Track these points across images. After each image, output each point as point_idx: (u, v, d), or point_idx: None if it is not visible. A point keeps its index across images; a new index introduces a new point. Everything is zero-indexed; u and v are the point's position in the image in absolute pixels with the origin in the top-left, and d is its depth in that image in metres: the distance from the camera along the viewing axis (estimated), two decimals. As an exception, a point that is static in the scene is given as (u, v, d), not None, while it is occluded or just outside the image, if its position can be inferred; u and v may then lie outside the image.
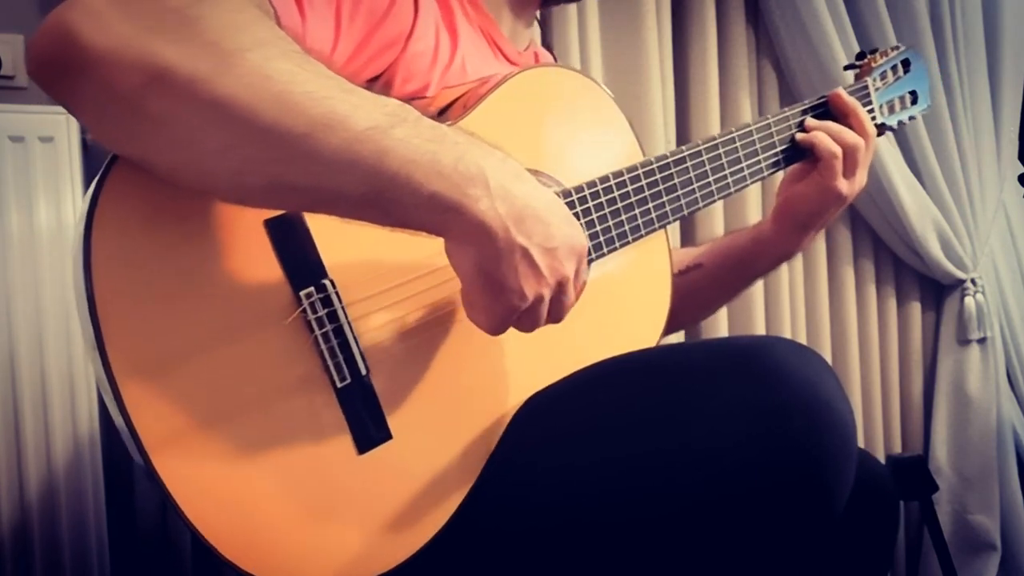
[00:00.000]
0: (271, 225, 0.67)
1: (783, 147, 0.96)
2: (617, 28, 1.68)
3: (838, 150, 0.94)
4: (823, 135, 0.94)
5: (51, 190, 1.17)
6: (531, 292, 0.64)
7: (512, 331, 0.68)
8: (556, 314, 0.69)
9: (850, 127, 0.96)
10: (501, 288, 0.63)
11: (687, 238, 1.76)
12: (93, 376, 1.18)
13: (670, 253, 0.94)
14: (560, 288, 0.67)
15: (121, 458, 1.30)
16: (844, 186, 0.94)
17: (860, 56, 1.09)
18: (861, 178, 0.96)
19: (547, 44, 1.60)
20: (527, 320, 0.67)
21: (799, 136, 0.96)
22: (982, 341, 2.00)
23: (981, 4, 2.00)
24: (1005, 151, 2.05)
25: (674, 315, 0.93)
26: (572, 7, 1.60)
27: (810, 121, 0.96)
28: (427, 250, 0.64)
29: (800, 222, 0.98)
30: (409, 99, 0.81)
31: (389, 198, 0.59)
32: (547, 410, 0.76)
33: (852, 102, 0.97)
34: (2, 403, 1.15)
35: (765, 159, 0.95)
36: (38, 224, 1.16)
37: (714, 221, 1.76)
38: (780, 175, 0.99)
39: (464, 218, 0.60)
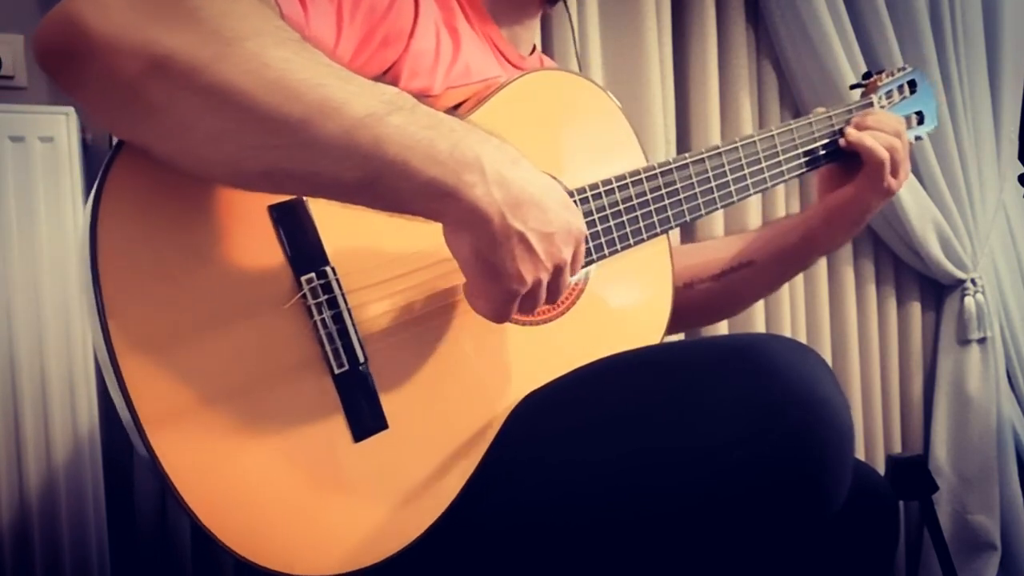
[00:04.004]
0: (275, 211, 0.67)
1: (806, 156, 0.98)
2: (617, 28, 1.68)
3: (886, 155, 0.97)
4: (871, 141, 0.97)
5: (51, 190, 1.17)
6: (529, 277, 0.65)
7: (511, 327, 0.67)
8: (552, 295, 0.69)
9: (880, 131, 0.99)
10: (499, 273, 0.64)
11: (686, 237, 1.75)
12: (93, 375, 1.18)
13: (671, 255, 0.94)
14: (558, 271, 0.67)
15: (121, 457, 1.30)
16: (894, 184, 0.99)
17: (866, 76, 1.10)
18: (906, 169, 1.01)
19: (546, 44, 1.60)
20: (526, 304, 0.68)
21: (843, 142, 0.98)
22: (982, 341, 2.00)
23: (981, 4, 2.00)
24: (1005, 151, 2.05)
25: (717, 311, 0.99)
26: (572, 5, 1.60)
27: (852, 131, 0.99)
28: (431, 241, 0.64)
29: (854, 220, 1.02)
30: (415, 97, 0.82)
31: (385, 184, 0.59)
32: (543, 407, 0.76)
33: (870, 119, 1.00)
34: (2, 403, 1.15)
35: (782, 166, 0.96)
36: (38, 224, 1.16)
37: (713, 221, 1.76)
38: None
39: (460, 204, 0.61)
